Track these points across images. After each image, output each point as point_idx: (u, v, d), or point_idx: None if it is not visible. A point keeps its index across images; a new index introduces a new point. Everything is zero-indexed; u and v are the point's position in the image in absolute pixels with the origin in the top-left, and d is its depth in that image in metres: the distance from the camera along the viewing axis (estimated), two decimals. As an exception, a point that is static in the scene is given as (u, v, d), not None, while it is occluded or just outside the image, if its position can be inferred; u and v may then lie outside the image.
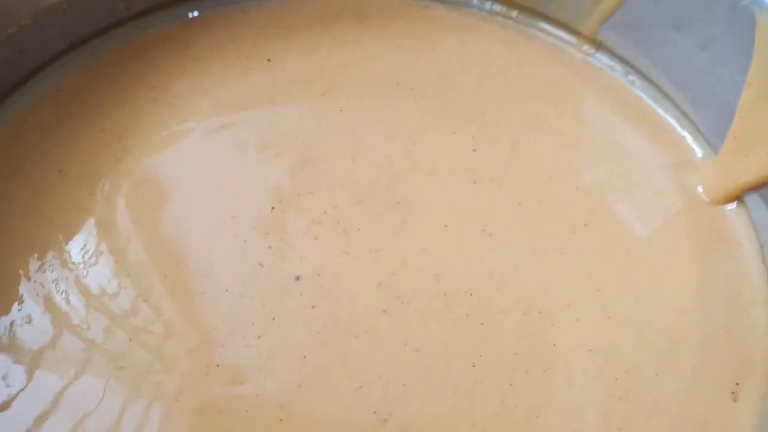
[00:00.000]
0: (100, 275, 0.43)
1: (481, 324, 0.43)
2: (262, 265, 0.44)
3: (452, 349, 0.42)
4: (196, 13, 0.59)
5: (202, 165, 0.49)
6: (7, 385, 0.39)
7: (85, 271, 0.44)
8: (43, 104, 0.51)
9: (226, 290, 0.43)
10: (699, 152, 0.56)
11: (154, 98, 0.52)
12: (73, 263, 0.44)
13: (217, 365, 0.40)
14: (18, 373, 0.40)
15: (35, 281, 0.43)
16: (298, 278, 0.44)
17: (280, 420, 0.39)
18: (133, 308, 0.42)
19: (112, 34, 0.56)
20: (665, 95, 0.59)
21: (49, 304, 0.42)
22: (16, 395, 0.39)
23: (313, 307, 0.43)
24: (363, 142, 0.51)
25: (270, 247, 0.45)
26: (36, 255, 0.44)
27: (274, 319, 0.42)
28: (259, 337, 0.41)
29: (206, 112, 0.52)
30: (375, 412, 0.39)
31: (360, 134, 0.52)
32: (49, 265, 0.44)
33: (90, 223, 0.45)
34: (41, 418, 0.39)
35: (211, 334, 0.41)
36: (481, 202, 0.48)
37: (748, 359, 0.45)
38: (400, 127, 0.52)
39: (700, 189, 0.53)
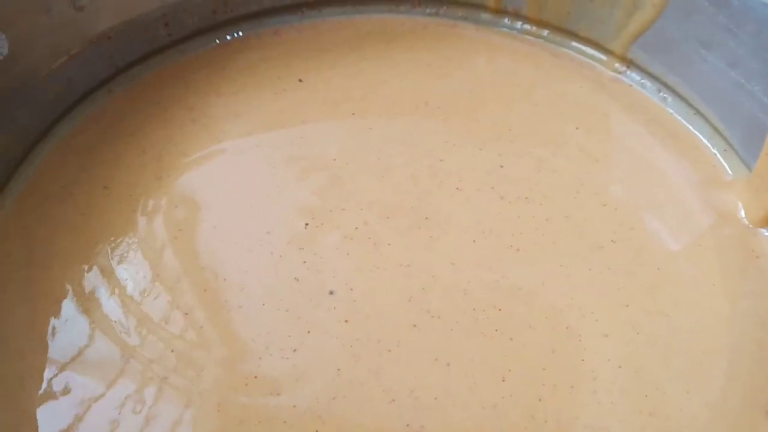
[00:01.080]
0: (141, 289, 0.47)
1: (510, 339, 0.45)
2: (297, 280, 0.47)
3: (481, 364, 0.44)
4: (231, 37, 0.64)
5: (237, 183, 0.53)
6: (52, 389, 0.43)
7: (127, 285, 0.47)
8: (88, 127, 0.56)
9: (263, 304, 0.46)
10: (731, 170, 0.57)
11: (191, 119, 0.56)
12: (117, 278, 0.47)
13: (255, 377, 0.43)
14: (62, 377, 0.43)
15: (82, 295, 0.47)
16: (331, 293, 0.46)
17: (316, 431, 0.41)
18: (173, 321, 0.45)
19: (154, 59, 0.61)
20: (697, 112, 0.60)
21: (94, 315, 0.46)
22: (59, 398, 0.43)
23: (346, 321, 0.45)
24: (391, 160, 0.54)
25: (304, 262, 0.48)
26: (84, 268, 0.48)
27: (309, 332, 0.45)
28: (295, 350, 0.44)
29: (240, 132, 0.56)
30: (408, 425, 0.42)
31: (388, 152, 0.55)
32: (95, 279, 0.48)
33: (133, 239, 0.49)
34: (77, 420, 0.42)
35: (249, 346, 0.44)
36: (509, 217, 0.50)
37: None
38: (428, 145, 0.55)
39: (733, 207, 0.55)
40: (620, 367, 0.44)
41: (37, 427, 0.41)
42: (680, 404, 0.44)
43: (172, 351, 0.44)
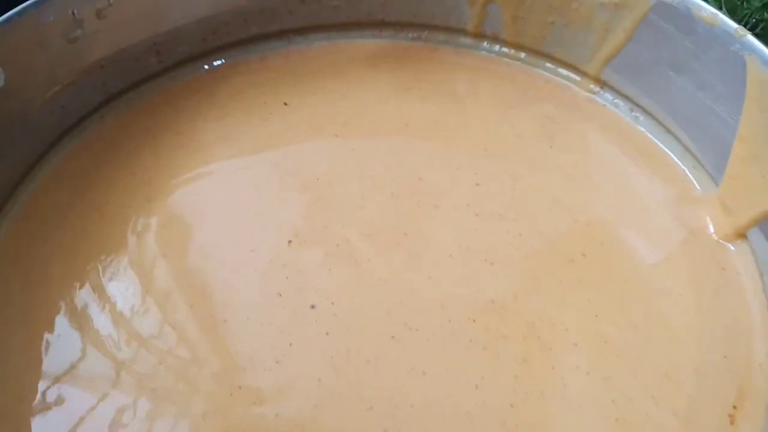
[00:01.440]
0: (131, 304, 0.50)
1: (484, 348, 0.47)
2: (281, 295, 0.50)
3: (456, 373, 0.46)
4: (220, 62, 0.67)
5: (224, 204, 0.56)
6: (45, 401, 0.46)
7: (118, 301, 0.50)
8: (81, 153, 0.59)
9: (247, 318, 0.48)
10: (699, 186, 0.60)
11: (181, 144, 0.59)
12: (108, 294, 0.50)
13: (240, 387, 0.46)
14: (54, 390, 0.46)
15: (74, 312, 0.50)
16: (313, 307, 0.49)
17: (298, 439, 0.44)
18: (161, 334, 0.48)
19: (145, 86, 0.64)
20: (667, 131, 0.63)
21: (85, 331, 0.49)
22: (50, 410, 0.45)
23: (327, 333, 0.48)
24: (373, 180, 0.57)
25: (287, 278, 0.50)
26: (77, 285, 0.51)
27: (291, 345, 0.47)
28: (278, 362, 0.47)
29: (228, 155, 0.59)
30: (385, 431, 0.44)
31: (370, 172, 0.58)
32: (87, 297, 0.50)
33: (124, 259, 0.52)
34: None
35: (234, 359, 0.47)
36: (484, 233, 0.53)
37: (746, 385, 0.48)
38: (407, 164, 0.58)
39: (702, 222, 0.57)
40: (588, 374, 0.47)
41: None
42: (647, 410, 0.46)
43: (159, 363, 0.46)
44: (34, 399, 0.45)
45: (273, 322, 0.48)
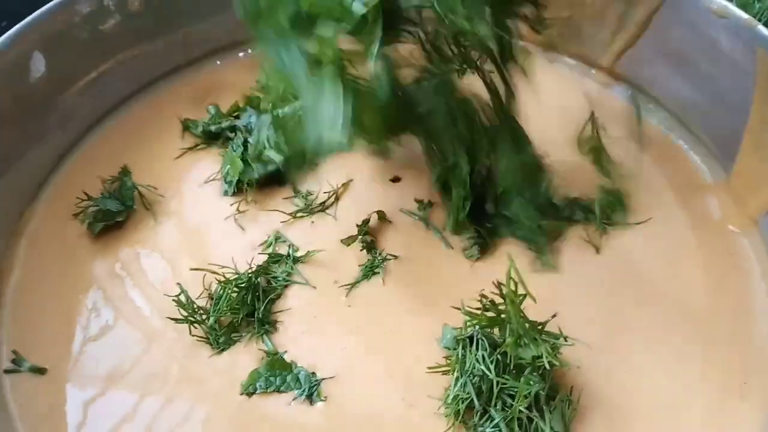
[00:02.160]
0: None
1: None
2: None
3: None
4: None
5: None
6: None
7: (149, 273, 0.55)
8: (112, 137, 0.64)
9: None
10: (710, 175, 0.62)
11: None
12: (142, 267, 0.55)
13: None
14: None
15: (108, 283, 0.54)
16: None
17: None
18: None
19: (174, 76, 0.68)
20: (679, 121, 0.66)
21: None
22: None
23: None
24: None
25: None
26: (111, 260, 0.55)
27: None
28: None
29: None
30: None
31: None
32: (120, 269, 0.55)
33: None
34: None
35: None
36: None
37: (755, 361, 0.51)
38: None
39: (713, 209, 0.60)
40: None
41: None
42: (662, 385, 0.49)
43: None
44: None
45: None
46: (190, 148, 0.62)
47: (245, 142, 0.59)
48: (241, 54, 0.70)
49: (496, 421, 0.44)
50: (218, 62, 0.69)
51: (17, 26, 0.55)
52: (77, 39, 0.59)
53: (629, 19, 0.66)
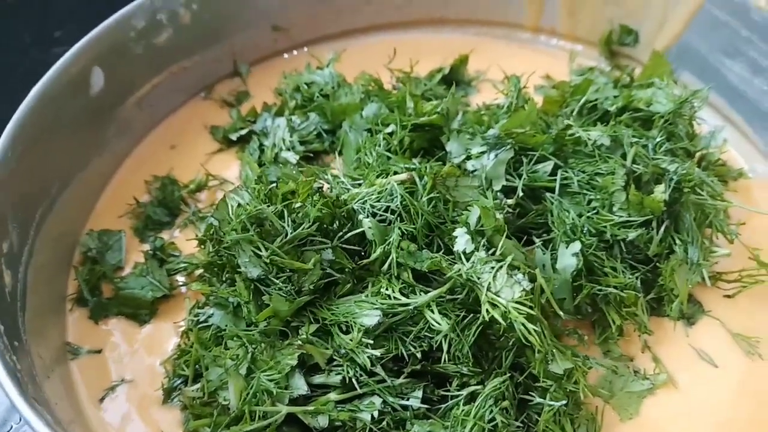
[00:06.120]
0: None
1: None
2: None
3: None
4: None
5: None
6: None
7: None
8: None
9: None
10: (757, 170, 0.64)
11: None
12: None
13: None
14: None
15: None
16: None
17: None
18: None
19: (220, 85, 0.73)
20: (725, 118, 0.67)
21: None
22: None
23: None
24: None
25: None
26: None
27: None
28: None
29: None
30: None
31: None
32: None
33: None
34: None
35: None
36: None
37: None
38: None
39: (757, 206, 0.61)
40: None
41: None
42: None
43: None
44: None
45: None
46: (213, 153, 0.66)
47: (261, 146, 0.63)
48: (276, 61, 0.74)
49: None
50: (252, 69, 0.74)
51: (79, 43, 0.60)
52: (133, 53, 0.64)
53: (672, 16, 0.67)
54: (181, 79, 0.69)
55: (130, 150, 0.66)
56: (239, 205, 0.47)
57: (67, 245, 0.59)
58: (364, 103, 0.63)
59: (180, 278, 0.57)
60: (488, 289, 0.45)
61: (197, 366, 0.49)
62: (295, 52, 0.75)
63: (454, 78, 0.71)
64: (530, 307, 0.44)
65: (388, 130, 0.58)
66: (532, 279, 0.47)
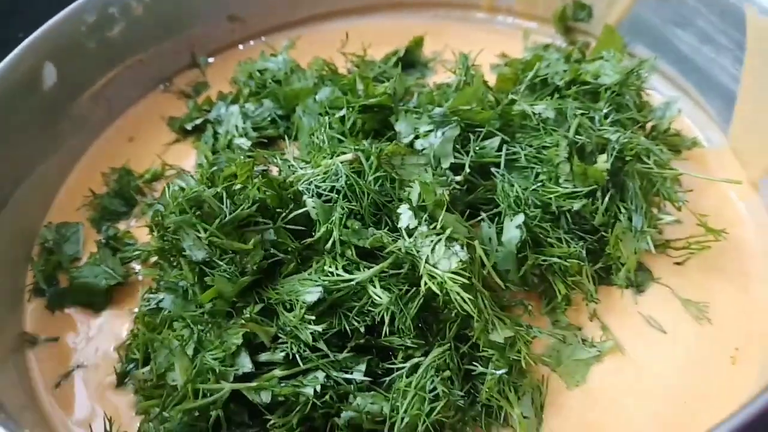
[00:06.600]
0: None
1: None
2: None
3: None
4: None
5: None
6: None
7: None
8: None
9: None
10: (711, 140, 0.64)
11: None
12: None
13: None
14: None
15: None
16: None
17: None
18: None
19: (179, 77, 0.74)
20: (678, 87, 0.68)
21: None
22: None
23: None
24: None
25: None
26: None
27: None
28: None
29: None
30: None
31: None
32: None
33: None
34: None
35: None
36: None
37: (748, 328, 0.53)
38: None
39: (714, 175, 0.61)
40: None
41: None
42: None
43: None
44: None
45: None
46: (170, 144, 0.67)
47: (215, 134, 0.64)
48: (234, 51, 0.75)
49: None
50: (211, 60, 0.75)
51: (28, 39, 0.61)
52: (86, 47, 0.65)
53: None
54: (138, 72, 0.70)
55: (89, 144, 0.67)
56: (180, 188, 0.48)
57: (25, 239, 0.60)
58: (318, 87, 0.63)
59: (136, 266, 0.58)
60: (426, 261, 0.46)
61: (147, 349, 0.49)
62: (252, 42, 0.76)
63: (410, 60, 0.72)
64: (469, 278, 0.45)
65: (340, 113, 0.59)
66: (472, 251, 0.47)
